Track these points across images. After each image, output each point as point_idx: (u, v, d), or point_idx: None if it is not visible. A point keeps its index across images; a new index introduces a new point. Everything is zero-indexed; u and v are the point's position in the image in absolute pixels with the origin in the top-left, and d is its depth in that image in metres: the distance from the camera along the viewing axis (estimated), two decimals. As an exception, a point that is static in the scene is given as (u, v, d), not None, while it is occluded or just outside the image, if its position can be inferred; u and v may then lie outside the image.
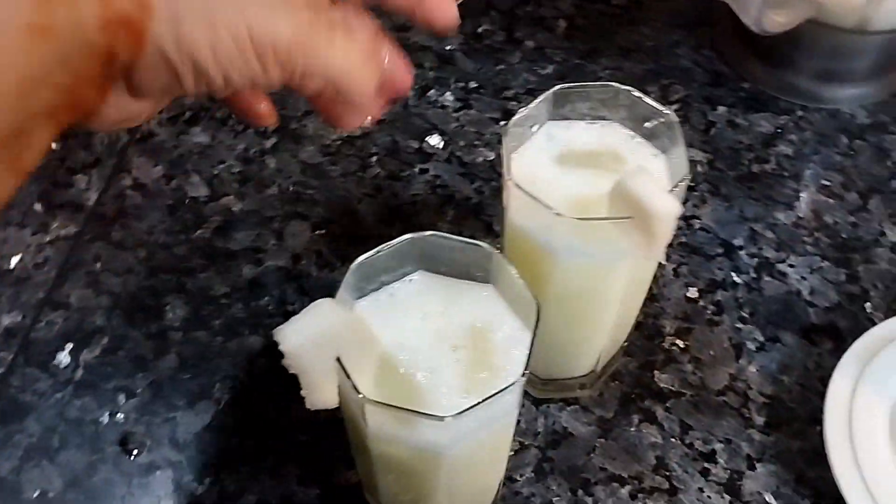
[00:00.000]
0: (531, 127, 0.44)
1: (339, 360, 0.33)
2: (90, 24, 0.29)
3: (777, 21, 0.59)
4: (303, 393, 0.34)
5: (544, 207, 0.38)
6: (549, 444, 0.50)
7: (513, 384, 0.33)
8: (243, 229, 0.60)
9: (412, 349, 0.37)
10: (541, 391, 0.51)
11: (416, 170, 0.63)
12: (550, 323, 0.43)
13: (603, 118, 0.45)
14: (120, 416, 0.51)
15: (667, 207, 0.36)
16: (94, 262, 0.58)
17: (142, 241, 0.59)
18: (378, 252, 0.37)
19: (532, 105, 0.43)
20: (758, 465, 0.49)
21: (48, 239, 0.59)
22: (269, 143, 0.65)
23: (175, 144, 0.65)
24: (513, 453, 0.49)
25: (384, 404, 0.33)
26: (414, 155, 0.65)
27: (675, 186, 0.40)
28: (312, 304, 0.33)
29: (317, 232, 0.60)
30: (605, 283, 0.43)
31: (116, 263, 0.58)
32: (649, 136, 0.45)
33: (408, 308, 0.38)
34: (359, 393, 0.33)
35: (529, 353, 0.35)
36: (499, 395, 0.33)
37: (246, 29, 0.31)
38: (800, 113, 0.68)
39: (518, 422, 0.45)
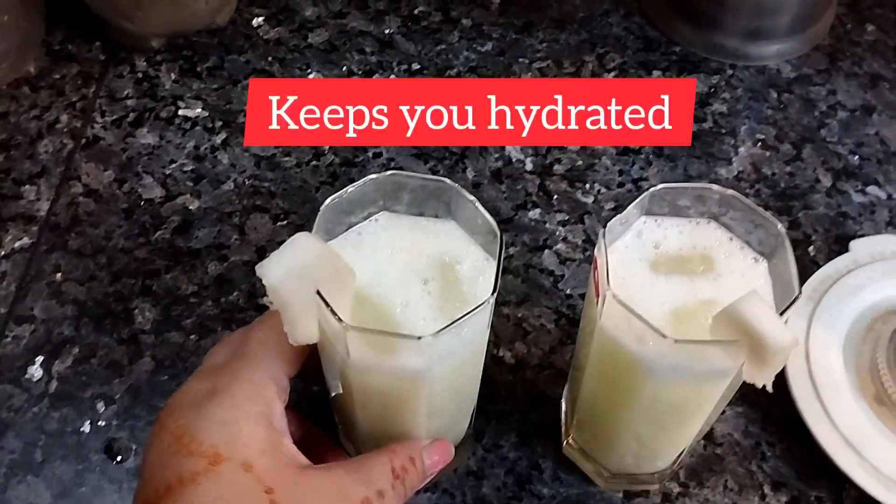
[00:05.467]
0: (622, 224, 0.41)
1: (318, 293, 0.35)
2: None
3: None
4: (285, 328, 0.35)
5: (646, 325, 0.36)
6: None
7: (483, 304, 0.35)
8: (204, 227, 0.60)
9: (385, 284, 0.39)
10: (608, 483, 0.49)
11: (370, 154, 0.64)
12: (634, 430, 0.44)
13: (698, 216, 0.42)
14: (101, 423, 0.51)
15: (783, 339, 0.34)
16: (55, 273, 0.57)
17: (101, 247, 0.58)
18: (344, 193, 0.39)
19: (628, 208, 0.40)
20: (726, 408, 0.52)
21: (3, 253, 0.58)
22: (218, 139, 0.65)
23: (122, 147, 0.64)
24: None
25: (367, 329, 0.35)
26: (365, 140, 0.65)
27: (786, 309, 0.37)
28: (291, 238, 0.34)
29: (278, 223, 0.60)
30: (700, 396, 0.41)
31: (78, 272, 0.57)
32: (748, 238, 0.41)
33: (376, 246, 0.40)
34: (341, 321, 0.34)
35: (497, 277, 0.37)
36: (471, 314, 0.35)
37: None
38: (730, 72, 0.71)
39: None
